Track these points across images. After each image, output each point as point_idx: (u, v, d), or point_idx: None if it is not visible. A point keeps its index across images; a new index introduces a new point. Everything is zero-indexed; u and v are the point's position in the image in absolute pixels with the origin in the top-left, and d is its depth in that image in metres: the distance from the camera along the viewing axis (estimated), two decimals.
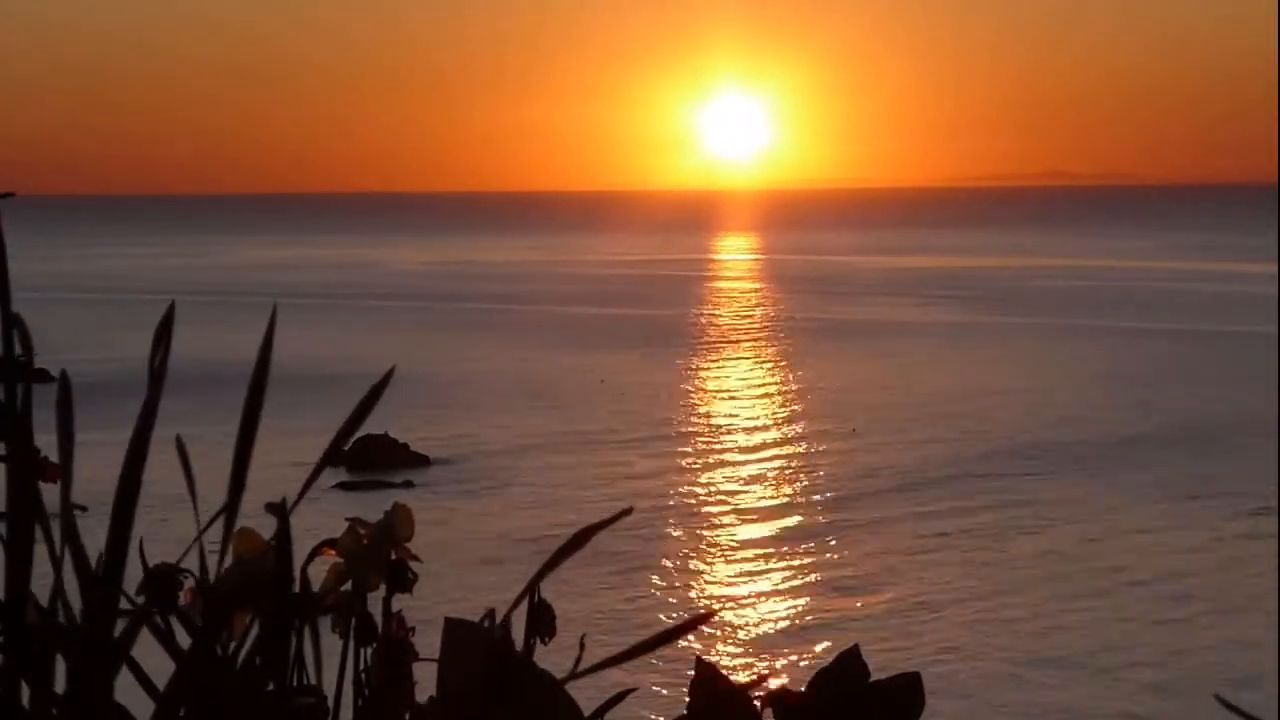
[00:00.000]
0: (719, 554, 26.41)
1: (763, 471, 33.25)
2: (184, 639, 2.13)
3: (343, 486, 30.57)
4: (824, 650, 20.49)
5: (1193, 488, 30.60)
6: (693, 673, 2.73)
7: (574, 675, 2.22)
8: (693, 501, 30.14)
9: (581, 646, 2.24)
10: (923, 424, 38.16)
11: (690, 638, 19.82)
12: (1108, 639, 21.42)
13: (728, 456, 35.01)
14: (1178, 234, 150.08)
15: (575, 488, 30.73)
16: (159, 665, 2.10)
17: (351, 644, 2.28)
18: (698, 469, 33.38)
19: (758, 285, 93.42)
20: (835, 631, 21.70)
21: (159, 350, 2.12)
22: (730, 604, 23.34)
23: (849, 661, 2.73)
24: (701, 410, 41.80)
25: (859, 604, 23.30)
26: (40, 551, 2.05)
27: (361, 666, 2.28)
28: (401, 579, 2.30)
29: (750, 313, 73.19)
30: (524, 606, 2.32)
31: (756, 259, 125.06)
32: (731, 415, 41.00)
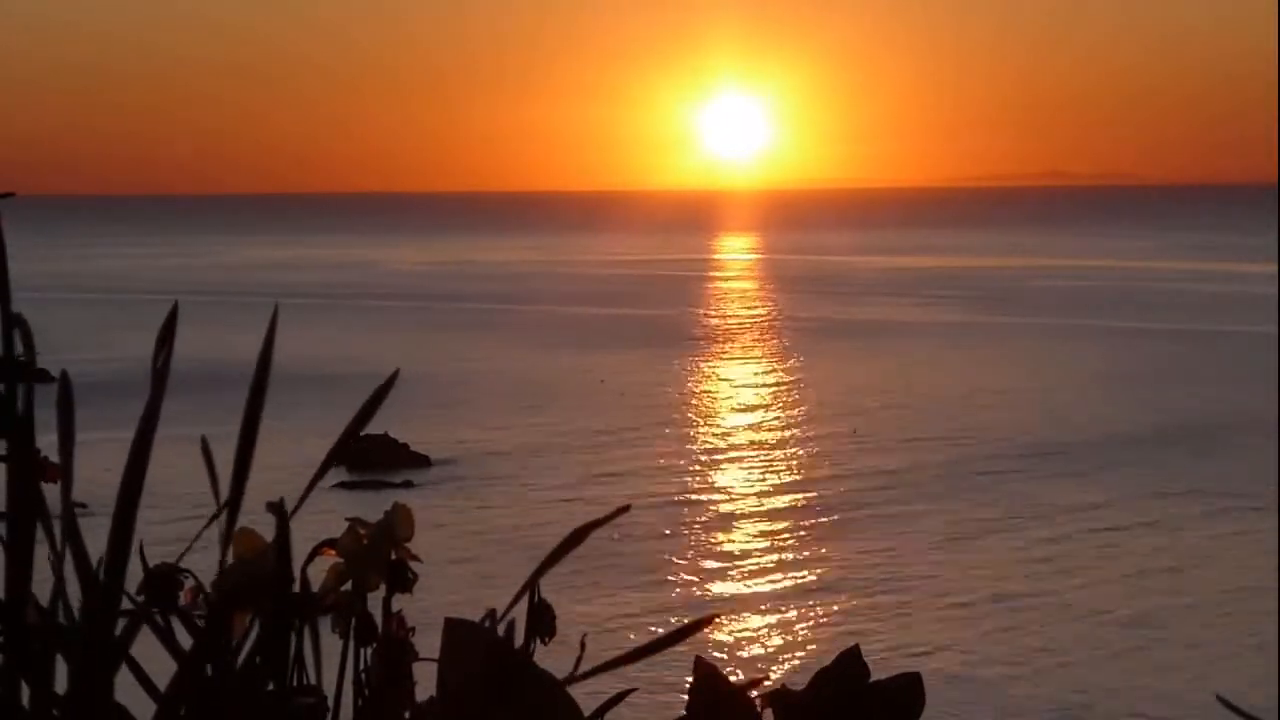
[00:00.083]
0: (718, 554, 26.40)
1: (763, 472, 33.25)
2: (184, 639, 2.14)
3: (343, 486, 30.59)
4: (824, 650, 20.49)
5: (1192, 487, 30.60)
6: (691, 673, 2.73)
7: (574, 678, 2.22)
8: (692, 501, 30.13)
9: (582, 647, 2.24)
10: (923, 424, 38.16)
11: (691, 638, 19.78)
12: (1108, 637, 21.42)
13: (728, 457, 35.01)
14: (1178, 234, 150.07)
15: (575, 487, 30.73)
16: (159, 666, 2.10)
17: (351, 644, 2.28)
18: (697, 469, 33.38)
19: (758, 285, 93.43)
20: (835, 631, 21.70)
21: (162, 351, 2.12)
22: (729, 604, 23.33)
23: (849, 661, 2.73)
24: (701, 410, 41.80)
25: (858, 604, 23.30)
26: (41, 551, 2.06)
27: (361, 666, 2.28)
28: (401, 579, 2.30)
29: (750, 313, 73.19)
30: (524, 607, 2.32)
31: (756, 259, 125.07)
32: (732, 415, 41.01)
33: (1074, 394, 43.09)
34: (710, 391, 45.77)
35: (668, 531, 27.45)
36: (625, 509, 2.19)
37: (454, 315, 70.07)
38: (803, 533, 27.70)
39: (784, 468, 33.57)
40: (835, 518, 28.62)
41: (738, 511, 29.46)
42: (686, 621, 2.18)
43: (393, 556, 2.30)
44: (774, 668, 20.20)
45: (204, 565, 2.20)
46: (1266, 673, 19.14)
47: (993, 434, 36.78)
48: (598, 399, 42.85)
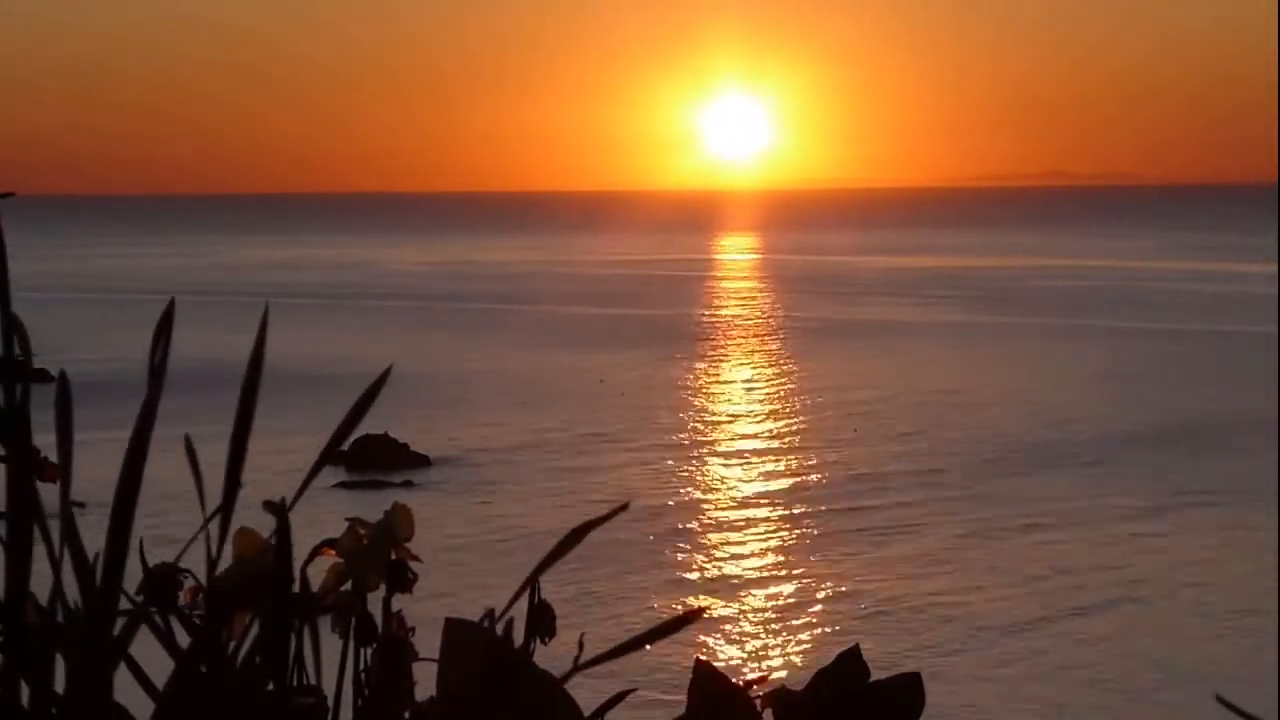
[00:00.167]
0: (718, 553, 26.40)
1: (763, 472, 33.26)
2: (184, 639, 2.13)
3: (343, 486, 30.59)
4: (824, 650, 20.49)
5: (1192, 487, 30.60)
6: (691, 673, 2.73)
7: (571, 671, 2.22)
8: (692, 501, 30.13)
9: (580, 646, 2.24)
10: (923, 425, 38.16)
11: (690, 638, 19.82)
12: (1106, 635, 21.42)
13: (728, 457, 35.02)
14: (1178, 234, 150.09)
15: (575, 487, 30.74)
16: (160, 666, 2.10)
17: (351, 644, 2.28)
18: (697, 469, 33.38)
19: (758, 285, 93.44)
20: (834, 631, 21.70)
21: (159, 347, 2.11)
22: (729, 603, 23.33)
23: (849, 661, 2.72)
24: (702, 410, 41.81)
25: (857, 604, 23.29)
26: (40, 551, 2.05)
27: (361, 666, 2.28)
28: (401, 579, 2.30)
29: (751, 313, 73.20)
30: (523, 606, 2.32)
31: (757, 259, 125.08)
32: (732, 416, 41.01)
33: (1074, 394, 43.09)
34: (710, 392, 45.77)
35: (667, 531, 27.44)
36: (624, 507, 2.19)
37: (454, 315, 70.08)
38: (803, 533, 27.70)
39: (784, 468, 33.57)
40: (835, 518, 28.61)
41: (737, 511, 29.45)
42: (676, 615, 2.18)
43: (393, 556, 2.30)
44: (769, 665, 20.20)
45: (203, 565, 2.19)
46: (1266, 672, 19.14)
47: (993, 434, 36.77)
48: (598, 399, 42.85)
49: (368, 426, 31.75)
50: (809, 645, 21.30)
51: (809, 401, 42.75)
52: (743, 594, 24.01)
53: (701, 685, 2.63)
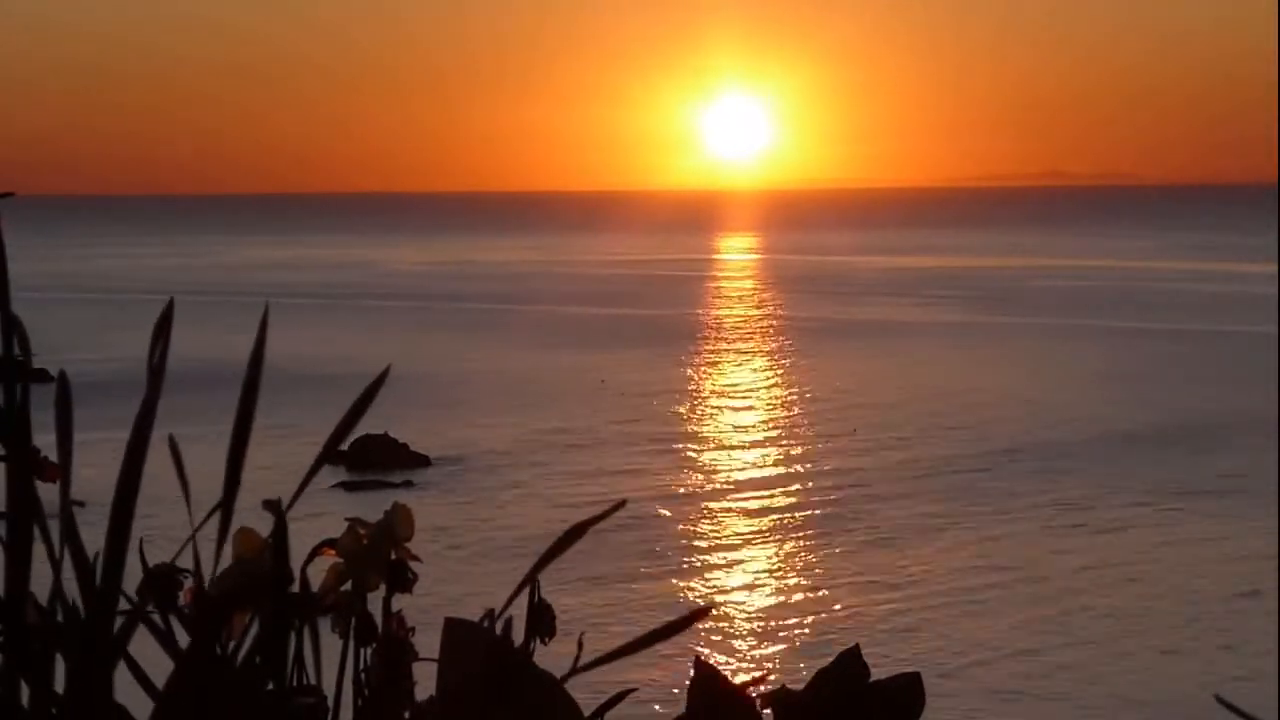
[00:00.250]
0: (717, 553, 26.40)
1: (763, 472, 33.26)
2: (184, 639, 2.13)
3: (343, 486, 30.58)
4: (824, 649, 20.49)
5: (1192, 487, 30.61)
6: (692, 672, 2.73)
7: (573, 672, 2.22)
8: (692, 501, 30.13)
9: (580, 646, 2.24)
10: (923, 425, 38.16)
11: (691, 638, 19.82)
12: (1106, 635, 21.42)
13: (728, 457, 35.01)
14: (1178, 234, 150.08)
15: (576, 487, 30.73)
16: (160, 666, 2.10)
17: (351, 644, 2.28)
18: (698, 469, 33.38)
19: (759, 285, 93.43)
20: (833, 630, 21.69)
21: (158, 347, 2.11)
22: (728, 602, 23.33)
23: (849, 661, 2.72)
24: (702, 410, 41.80)
25: (857, 604, 23.29)
26: (40, 551, 2.05)
27: (361, 666, 2.28)
28: (401, 579, 2.30)
29: (751, 313, 73.19)
30: (523, 606, 2.32)
31: (757, 259, 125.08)
32: (732, 415, 41.01)
33: (1074, 394, 43.09)
34: (711, 391, 45.77)
35: (666, 530, 27.44)
36: (621, 504, 2.19)
37: (454, 315, 70.08)
38: (802, 532, 27.69)
39: (785, 468, 33.57)
40: (835, 518, 28.61)
41: (737, 511, 29.45)
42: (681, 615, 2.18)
43: (393, 556, 2.30)
44: (771, 667, 20.20)
45: (203, 564, 2.19)
46: (1267, 672, 19.14)
47: (993, 434, 36.77)
48: (598, 399, 42.85)
49: (368, 426, 31.75)
50: (808, 644, 21.29)
51: (809, 401, 42.74)
52: (741, 593, 24.00)
53: (701, 685, 2.63)
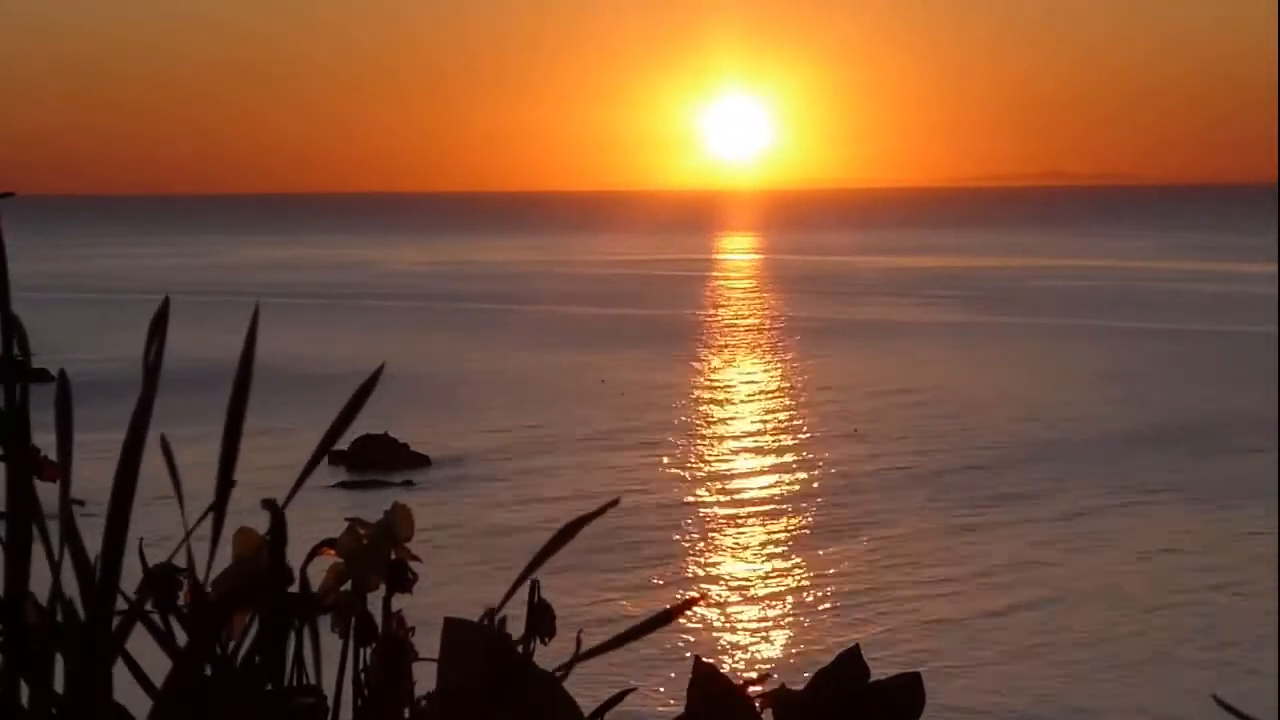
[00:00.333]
0: (717, 553, 26.41)
1: (763, 471, 33.26)
2: (183, 638, 2.13)
3: (343, 486, 30.59)
4: (824, 648, 20.49)
5: (1192, 487, 30.61)
6: (691, 672, 2.73)
7: (571, 664, 2.22)
8: (692, 500, 30.13)
9: (579, 644, 2.23)
10: (923, 424, 38.17)
11: (690, 637, 19.82)
12: (1105, 635, 21.42)
13: (728, 456, 35.02)
14: (1178, 234, 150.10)
15: (576, 487, 30.73)
16: (160, 665, 2.10)
17: (351, 644, 2.28)
18: (698, 468, 33.38)
19: (759, 285, 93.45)
20: (833, 630, 21.69)
21: (153, 345, 2.11)
22: (728, 602, 23.33)
23: (849, 661, 2.72)
24: (702, 410, 41.80)
25: (857, 603, 23.29)
26: (40, 551, 2.05)
27: (361, 666, 2.28)
28: (401, 579, 2.30)
29: (751, 313, 73.21)
30: (523, 607, 2.32)
31: (758, 259, 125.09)
32: (732, 415, 41.01)
33: (1074, 394, 43.09)
34: (711, 391, 45.77)
35: (664, 530, 27.44)
36: (614, 502, 2.19)
37: (454, 315, 70.09)
38: (802, 532, 27.70)
39: (785, 467, 33.57)
40: (835, 517, 28.61)
41: (737, 510, 29.45)
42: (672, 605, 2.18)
43: (393, 556, 2.30)
44: (770, 665, 20.20)
45: (198, 564, 2.19)
46: (1267, 671, 19.14)
47: (993, 433, 36.78)
48: (598, 399, 42.85)
49: (368, 426, 31.76)
50: (807, 642, 21.29)
51: (810, 401, 42.74)
52: (738, 591, 24.00)
53: (701, 685, 2.63)
